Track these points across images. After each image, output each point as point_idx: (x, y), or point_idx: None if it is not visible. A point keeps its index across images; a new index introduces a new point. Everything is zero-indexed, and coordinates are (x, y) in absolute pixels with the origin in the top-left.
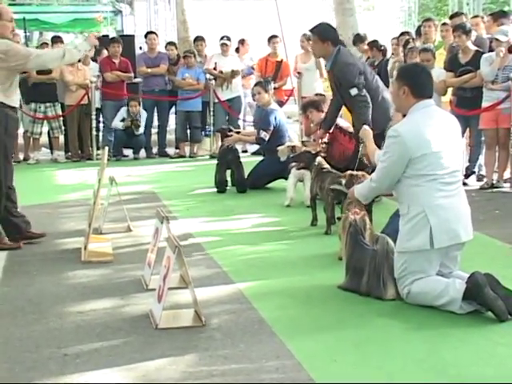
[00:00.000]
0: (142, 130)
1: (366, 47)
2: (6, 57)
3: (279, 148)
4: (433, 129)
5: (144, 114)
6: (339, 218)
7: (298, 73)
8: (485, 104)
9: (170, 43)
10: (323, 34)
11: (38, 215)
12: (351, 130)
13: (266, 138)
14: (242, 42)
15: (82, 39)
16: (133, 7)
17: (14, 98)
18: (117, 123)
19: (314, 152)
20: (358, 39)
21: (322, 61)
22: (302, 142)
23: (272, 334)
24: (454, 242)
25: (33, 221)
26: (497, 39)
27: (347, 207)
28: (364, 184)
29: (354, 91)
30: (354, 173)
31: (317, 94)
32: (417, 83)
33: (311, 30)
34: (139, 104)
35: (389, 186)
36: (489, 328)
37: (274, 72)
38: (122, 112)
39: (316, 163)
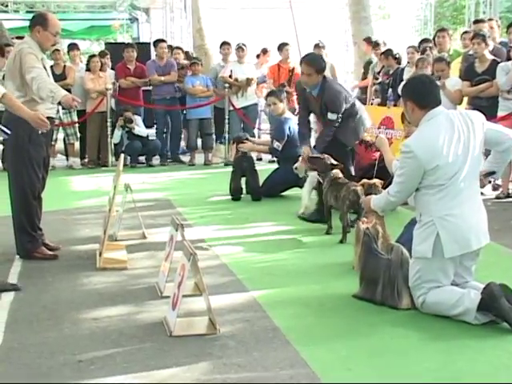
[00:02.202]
0: (142, 131)
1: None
2: (20, 64)
3: (296, 165)
4: (444, 138)
5: (139, 119)
6: (352, 226)
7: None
8: (500, 113)
9: (177, 47)
10: (320, 66)
11: (54, 221)
12: (367, 138)
13: (279, 149)
14: (264, 51)
15: (63, 93)
16: (149, 15)
17: (41, 108)
18: (115, 137)
19: (332, 163)
20: (376, 45)
21: (336, 68)
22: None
23: (286, 343)
24: (465, 250)
25: (48, 227)
26: (503, 43)
27: (365, 216)
28: (381, 197)
29: (333, 116)
30: (370, 181)
31: None
32: (417, 95)
33: (308, 63)
34: (133, 113)
35: (406, 198)
36: (504, 339)
37: (288, 79)
38: (117, 130)
39: (331, 173)
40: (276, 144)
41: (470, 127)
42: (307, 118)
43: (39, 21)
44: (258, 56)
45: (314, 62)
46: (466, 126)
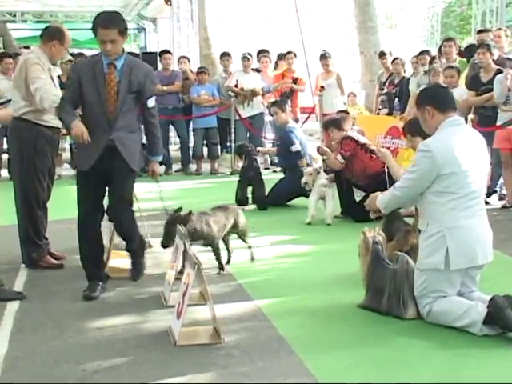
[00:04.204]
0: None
1: (388, 64)
2: (26, 74)
3: (304, 180)
4: (462, 147)
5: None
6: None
7: (322, 87)
8: (499, 124)
9: (183, 57)
10: (123, 26)
11: (59, 230)
12: (372, 147)
13: (296, 150)
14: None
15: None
16: (156, 24)
17: (47, 118)
18: None
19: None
20: (382, 54)
21: (343, 78)
22: (323, 160)
23: (291, 352)
24: (472, 264)
25: (54, 236)
26: (510, 59)
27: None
28: (387, 192)
29: (152, 102)
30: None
31: (340, 111)
32: (437, 98)
33: (106, 26)
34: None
35: (411, 199)
36: (511, 349)
37: (290, 88)
38: None
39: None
40: (293, 147)
41: (485, 151)
42: (74, 105)
43: (57, 35)
44: (275, 65)
45: (113, 21)
46: (483, 147)
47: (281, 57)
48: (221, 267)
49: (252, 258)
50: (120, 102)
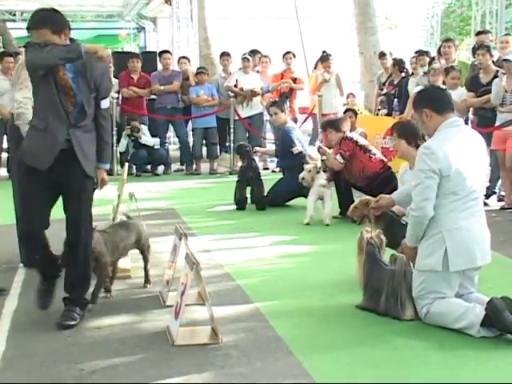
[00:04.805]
0: (149, 140)
1: (387, 65)
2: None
3: (302, 176)
4: (462, 148)
5: (145, 128)
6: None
7: (323, 76)
8: (497, 125)
9: (183, 57)
10: (59, 25)
11: (58, 230)
12: (371, 147)
13: (301, 149)
14: (323, 59)
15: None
16: (156, 24)
17: None
18: (121, 146)
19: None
20: (382, 55)
21: (342, 78)
22: (322, 160)
23: (289, 353)
24: (470, 265)
25: (52, 236)
26: (506, 60)
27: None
28: (408, 229)
29: (106, 103)
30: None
31: (347, 110)
32: (435, 100)
33: (37, 26)
34: (140, 122)
35: (431, 209)
36: (509, 350)
37: (289, 88)
38: (123, 139)
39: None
40: (295, 149)
41: (484, 152)
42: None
43: None
44: (316, 65)
45: (44, 21)
46: (482, 148)
47: (322, 59)
48: (94, 300)
49: (146, 281)
50: (78, 103)
